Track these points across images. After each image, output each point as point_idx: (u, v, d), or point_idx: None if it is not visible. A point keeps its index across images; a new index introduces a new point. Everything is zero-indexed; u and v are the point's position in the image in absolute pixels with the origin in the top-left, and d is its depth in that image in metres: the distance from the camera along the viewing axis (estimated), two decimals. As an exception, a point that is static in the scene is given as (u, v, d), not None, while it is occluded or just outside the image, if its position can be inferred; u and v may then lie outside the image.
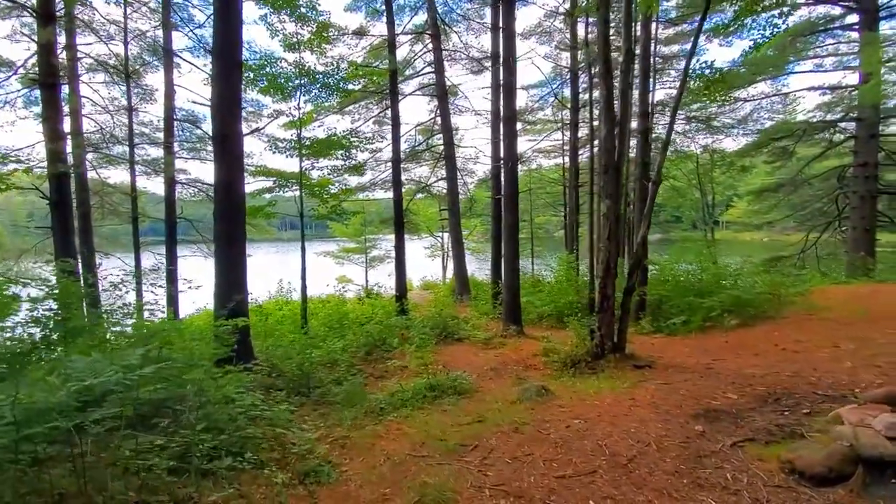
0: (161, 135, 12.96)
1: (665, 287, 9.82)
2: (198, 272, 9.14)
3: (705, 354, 6.48)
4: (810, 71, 15.68)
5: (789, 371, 4.96)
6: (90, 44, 12.88)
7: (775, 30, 7.49)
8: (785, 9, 7.33)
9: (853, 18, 13.59)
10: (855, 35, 13.74)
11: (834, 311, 7.41)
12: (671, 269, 10.53)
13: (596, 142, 11.91)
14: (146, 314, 6.14)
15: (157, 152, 14.16)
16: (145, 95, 13.97)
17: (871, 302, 7.58)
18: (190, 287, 6.28)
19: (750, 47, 7.56)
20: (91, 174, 12.98)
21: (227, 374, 4.15)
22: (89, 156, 13.19)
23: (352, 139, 12.36)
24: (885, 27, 13.34)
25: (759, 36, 7.53)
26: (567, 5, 15.05)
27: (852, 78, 14.35)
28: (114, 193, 14.47)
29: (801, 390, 4.27)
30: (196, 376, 3.42)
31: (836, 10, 14.08)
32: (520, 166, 17.41)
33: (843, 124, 14.55)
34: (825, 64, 15.50)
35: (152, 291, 5.60)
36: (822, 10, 14.31)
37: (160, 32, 12.33)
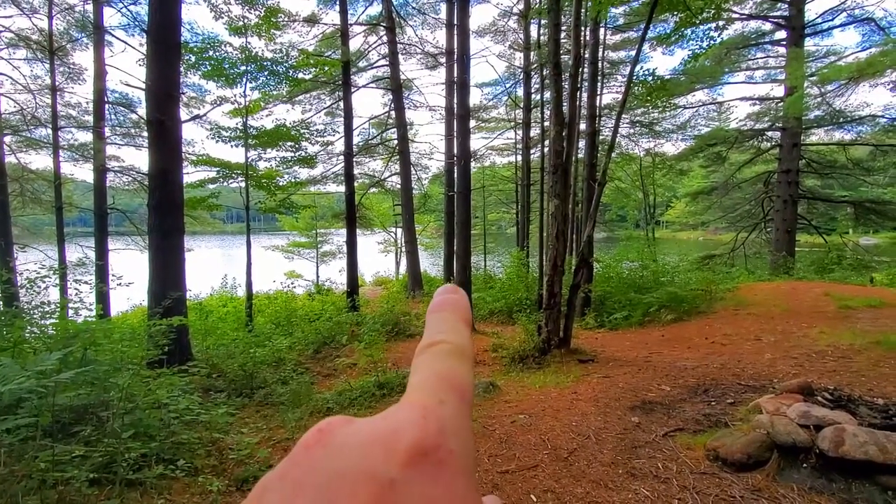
0: (90, 118, 12.01)
1: (609, 284, 10.24)
2: (133, 267, 8.57)
3: (644, 348, 6.81)
4: (742, 82, 16.88)
5: (717, 363, 5.30)
6: (10, 16, 11.72)
7: (712, 41, 7.98)
8: (721, 22, 7.81)
9: (782, 34, 14.69)
10: (783, 50, 14.85)
11: (758, 307, 8.00)
12: (615, 266, 10.99)
13: (547, 142, 12.20)
14: (70, 313, 5.68)
15: (86, 137, 13.12)
16: (72, 75, 12.87)
17: (790, 298, 8.24)
18: (120, 283, 5.86)
19: (689, 56, 8.01)
20: (10, 158, 11.86)
21: (161, 376, 3.93)
22: (7, 138, 12.03)
23: (302, 130, 12.01)
24: (809, 44, 14.55)
25: (698, 47, 8.00)
26: (521, 6, 15.27)
27: (779, 90, 15.54)
28: (36, 180, 13.29)
29: (727, 381, 4.58)
30: (124, 380, 3.20)
31: (767, 26, 15.18)
32: (473, 163, 17.59)
33: (769, 133, 15.73)
34: (756, 76, 16.73)
35: (76, 288, 5.17)
36: (754, 25, 15.39)
37: (90, 7, 11.40)
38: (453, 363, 0.26)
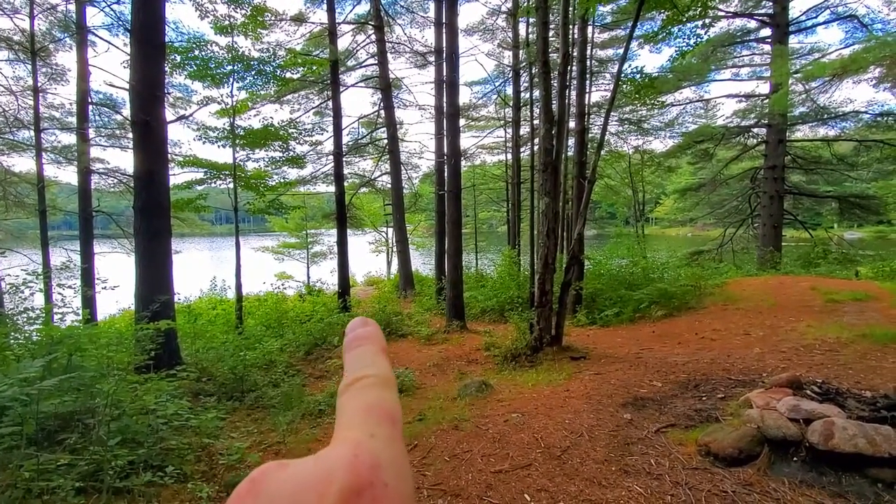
0: (74, 119, 11.80)
1: (600, 281, 10.29)
2: (120, 270, 8.45)
3: (635, 344, 6.85)
4: (728, 79, 17.08)
5: (707, 358, 5.35)
6: (-9, 17, 11.42)
7: (698, 39, 8.03)
8: (707, 20, 7.87)
9: (766, 32, 14.85)
10: (768, 48, 15.02)
11: (747, 302, 8.08)
12: (605, 263, 11.04)
13: (536, 140, 12.21)
14: (56, 318, 5.57)
15: (69, 139, 12.90)
16: (55, 76, 12.63)
17: (777, 293, 8.34)
18: (105, 287, 5.75)
19: (676, 54, 8.06)
20: (-9, 161, 11.64)
21: (149, 381, 3.86)
22: (-12, 141, 11.80)
23: (290, 130, 11.91)
24: (793, 41, 14.73)
25: (685, 44, 8.05)
26: (509, 4, 15.28)
27: (764, 87, 15.74)
28: (19, 183, 13.04)
29: (718, 376, 4.62)
30: (110, 386, 3.14)
31: (752, 24, 15.35)
32: (464, 162, 17.56)
33: (755, 129, 15.91)
34: (741, 73, 16.91)
35: (61, 293, 5.07)
36: (739, 22, 15.55)
37: (73, 7, 11.19)
38: (379, 394, 0.27)
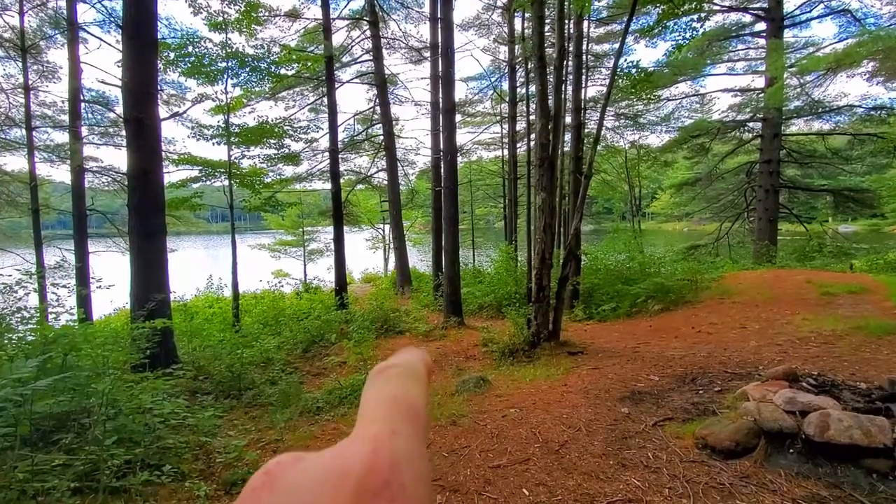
0: (66, 117, 11.70)
1: (597, 276, 10.30)
2: (115, 269, 8.41)
3: (632, 338, 6.87)
4: (724, 74, 17.04)
5: (704, 352, 5.37)
6: (-20, 15, 11.29)
7: (694, 33, 8.03)
8: (702, 14, 7.86)
9: (761, 26, 14.85)
10: (763, 42, 15.02)
11: (743, 295, 8.11)
12: (602, 258, 11.06)
13: (533, 135, 12.19)
14: (51, 318, 5.53)
15: (62, 137, 12.79)
16: (47, 73, 12.50)
17: (773, 286, 8.37)
18: (100, 286, 5.72)
19: (672, 48, 8.05)
20: (-18, 161, 11.53)
21: (145, 380, 3.84)
22: (-21, 140, 11.70)
23: (286, 127, 11.84)
24: (788, 35, 14.73)
25: (680, 38, 8.04)
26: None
27: (759, 81, 15.73)
28: (11, 182, 12.92)
29: (714, 369, 4.64)
30: (105, 385, 3.12)
31: (747, 18, 15.33)
32: (460, 158, 17.55)
33: (751, 124, 15.93)
34: (737, 68, 16.92)
35: (55, 293, 5.04)
36: (734, 17, 15.53)
37: (63, 3, 11.07)
38: (405, 386, 0.26)
